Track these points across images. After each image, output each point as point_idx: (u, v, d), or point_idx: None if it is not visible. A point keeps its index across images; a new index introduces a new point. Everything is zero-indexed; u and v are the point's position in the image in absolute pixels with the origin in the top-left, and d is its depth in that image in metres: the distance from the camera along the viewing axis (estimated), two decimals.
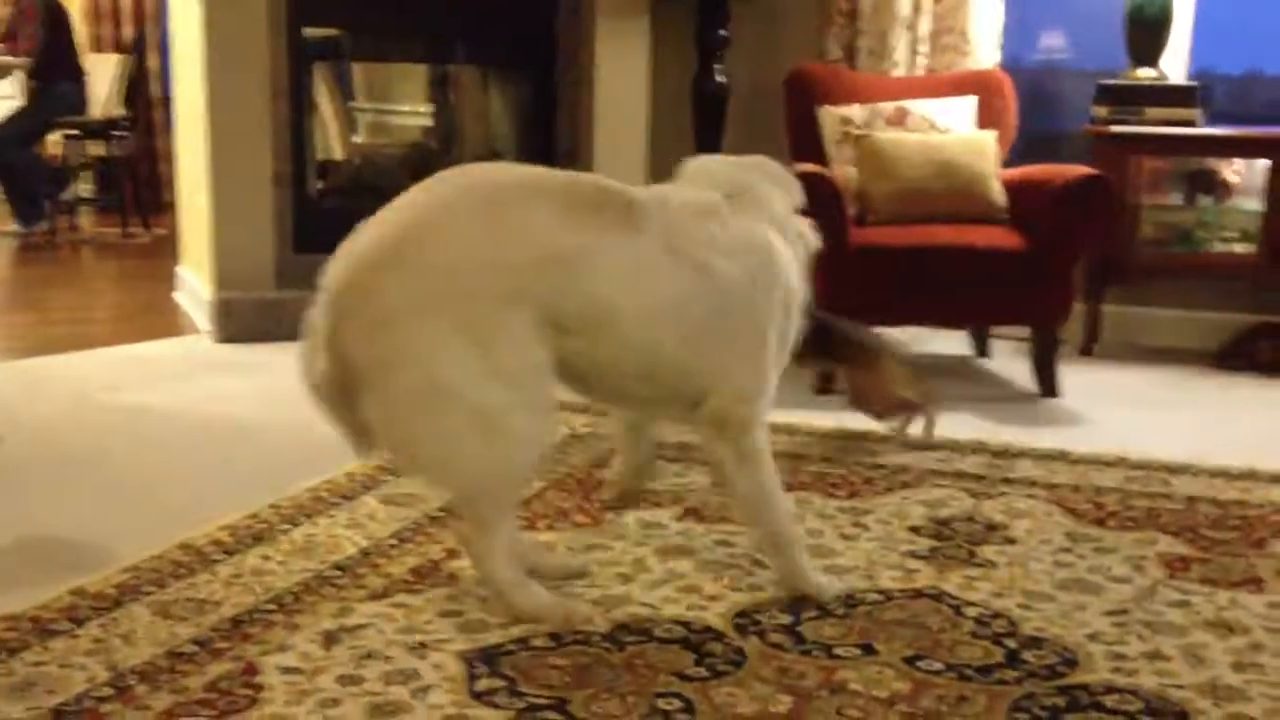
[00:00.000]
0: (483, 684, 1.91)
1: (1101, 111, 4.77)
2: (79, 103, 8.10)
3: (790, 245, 2.30)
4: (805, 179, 4.11)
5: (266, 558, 2.40)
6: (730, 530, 2.62)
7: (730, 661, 2.01)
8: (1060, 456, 3.26)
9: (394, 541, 2.52)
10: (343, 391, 2.06)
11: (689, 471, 3.04)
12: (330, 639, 2.05)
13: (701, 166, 2.37)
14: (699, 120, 5.16)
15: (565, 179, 2.16)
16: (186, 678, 1.91)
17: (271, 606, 2.18)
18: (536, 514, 2.70)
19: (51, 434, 3.36)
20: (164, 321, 5.10)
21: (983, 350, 4.70)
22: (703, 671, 1.97)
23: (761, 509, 2.26)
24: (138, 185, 8.48)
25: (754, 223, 2.24)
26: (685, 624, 2.15)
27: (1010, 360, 4.55)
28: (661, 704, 1.86)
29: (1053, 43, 6.02)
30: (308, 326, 2.09)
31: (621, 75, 5.21)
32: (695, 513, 2.74)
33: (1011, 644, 2.10)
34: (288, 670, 1.94)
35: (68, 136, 8.32)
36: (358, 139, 5.91)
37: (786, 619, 2.18)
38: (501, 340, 1.99)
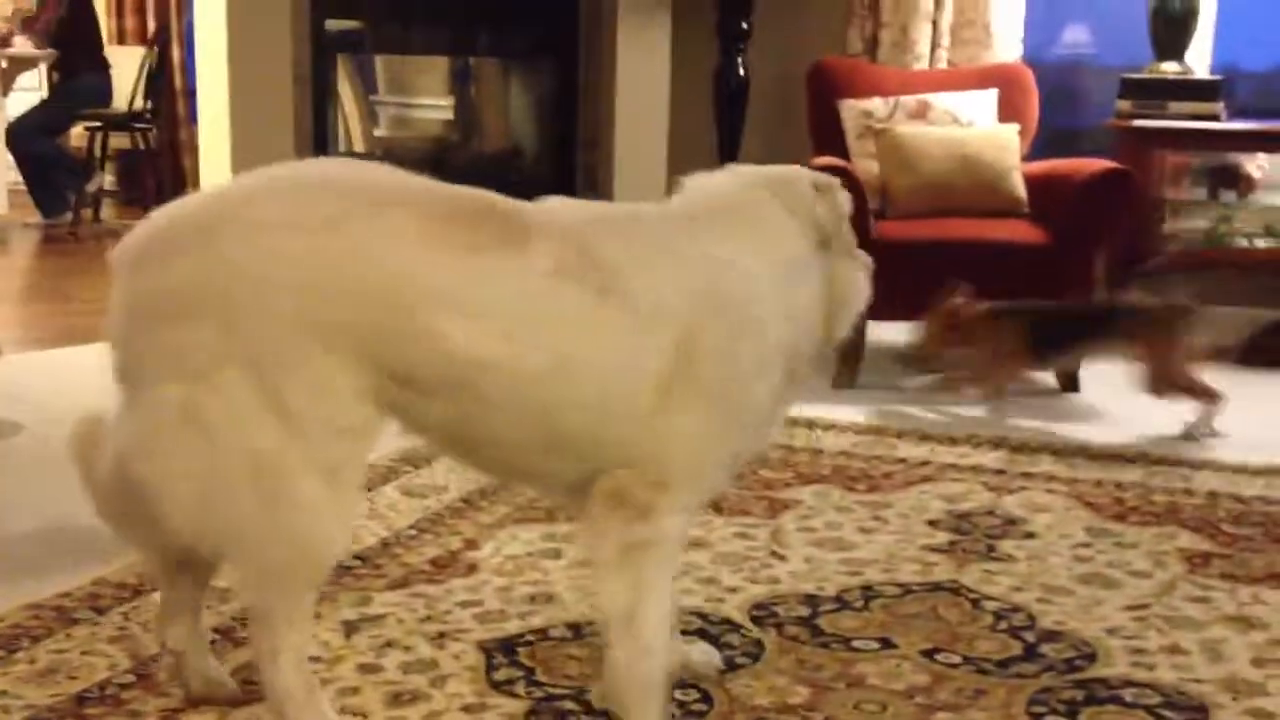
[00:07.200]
0: (501, 674, 1.92)
1: (1125, 106, 4.75)
2: (104, 94, 8.14)
3: (796, 281, 1.76)
4: (826, 173, 4.15)
5: None
6: (748, 523, 2.62)
7: (747, 654, 2.02)
8: (1080, 451, 3.25)
9: (413, 532, 2.53)
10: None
11: None
12: (350, 628, 2.06)
13: (698, 183, 1.82)
14: (720, 111, 5.16)
15: (440, 188, 1.63)
16: None
17: None
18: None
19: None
20: None
21: None
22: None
23: (624, 631, 1.63)
24: (160, 177, 8.51)
25: (722, 245, 1.69)
26: (703, 615, 2.16)
27: None
28: (679, 694, 1.86)
29: (1076, 37, 6.00)
30: None
31: (643, 66, 5.22)
32: (712, 504, 2.74)
33: (1030, 638, 2.10)
34: (309, 659, 1.95)
35: (90, 129, 8.37)
36: (379, 132, 5.93)
37: (804, 611, 2.19)
38: (296, 383, 1.51)
